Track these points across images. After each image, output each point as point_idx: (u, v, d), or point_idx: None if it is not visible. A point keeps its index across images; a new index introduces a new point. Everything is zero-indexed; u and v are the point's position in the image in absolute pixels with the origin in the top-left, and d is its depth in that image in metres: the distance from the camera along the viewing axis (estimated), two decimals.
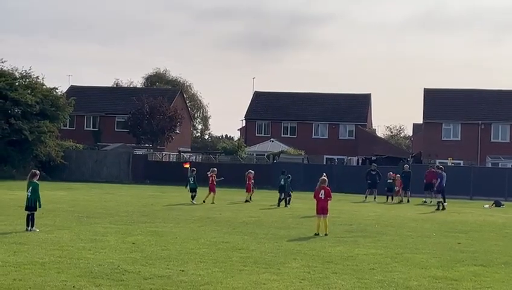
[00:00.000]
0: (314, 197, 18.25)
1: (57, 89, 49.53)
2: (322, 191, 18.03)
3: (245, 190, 31.40)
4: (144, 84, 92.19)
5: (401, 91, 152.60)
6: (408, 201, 34.24)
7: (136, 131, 61.17)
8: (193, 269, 11.60)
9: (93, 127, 66.63)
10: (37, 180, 17.20)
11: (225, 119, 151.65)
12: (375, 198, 34.47)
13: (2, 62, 47.95)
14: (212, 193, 29.12)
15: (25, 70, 48.33)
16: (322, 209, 17.80)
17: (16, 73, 48.18)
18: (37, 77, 48.56)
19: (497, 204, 33.49)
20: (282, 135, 64.23)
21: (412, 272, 12.12)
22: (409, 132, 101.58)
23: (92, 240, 14.88)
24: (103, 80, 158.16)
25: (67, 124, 60.42)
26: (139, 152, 55.00)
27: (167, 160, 55.40)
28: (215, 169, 31.28)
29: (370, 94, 69.15)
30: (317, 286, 10.58)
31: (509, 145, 56.53)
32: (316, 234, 17.36)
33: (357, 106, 66.26)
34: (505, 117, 57.99)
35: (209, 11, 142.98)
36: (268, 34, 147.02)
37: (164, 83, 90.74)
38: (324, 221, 17.71)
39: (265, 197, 32.01)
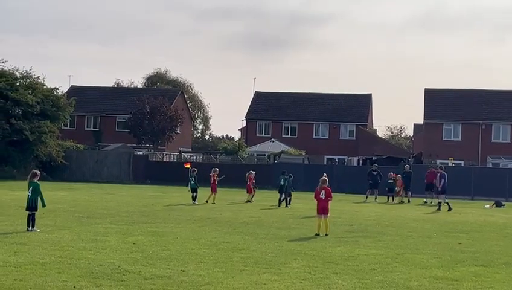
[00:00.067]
0: (315, 197, 18.25)
1: (57, 89, 49.63)
2: (323, 192, 18.03)
3: (246, 191, 31.42)
4: (145, 85, 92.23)
5: (401, 91, 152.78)
6: (409, 201, 34.24)
7: (136, 131, 61.18)
8: (194, 269, 11.61)
9: (93, 127, 66.65)
10: (38, 180, 17.20)
11: (226, 120, 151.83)
12: (375, 198, 34.47)
13: (3, 62, 48.08)
14: (213, 193, 29.16)
15: (26, 71, 48.45)
16: (322, 210, 17.80)
17: (17, 73, 48.23)
18: (38, 77, 48.67)
19: (498, 204, 33.49)
20: (283, 135, 64.24)
21: (413, 272, 12.12)
22: (409, 132, 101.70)
23: (93, 240, 14.89)
24: (104, 80, 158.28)
25: (68, 124, 60.45)
26: (139, 152, 55.00)
27: (168, 160, 55.39)
28: (217, 169, 31.35)
29: (371, 94, 69.20)
30: (318, 286, 10.58)
31: (510, 146, 56.51)
32: (316, 234, 17.36)
33: (357, 106, 66.25)
34: (506, 117, 57.98)
35: (209, 11, 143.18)
36: (269, 34, 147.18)
37: (165, 83, 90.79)
38: (325, 221, 17.71)
39: (266, 198, 32.02)
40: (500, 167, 50.72)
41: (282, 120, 65.66)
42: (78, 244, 14.18)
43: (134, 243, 14.64)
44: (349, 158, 60.62)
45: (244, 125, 69.66)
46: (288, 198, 28.90)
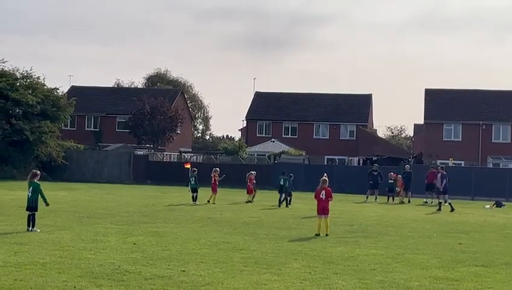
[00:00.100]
0: (315, 197, 18.25)
1: (57, 89, 49.63)
2: (323, 192, 18.02)
3: (246, 191, 31.44)
4: (145, 85, 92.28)
5: (401, 91, 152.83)
6: (409, 201, 34.23)
7: (137, 131, 61.19)
8: (194, 270, 11.60)
9: (94, 128, 66.66)
10: (38, 180, 17.19)
11: (226, 120, 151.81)
12: (376, 198, 34.46)
13: (3, 62, 48.10)
14: (213, 193, 29.18)
15: (26, 71, 48.46)
16: (322, 210, 17.79)
17: (17, 73, 48.24)
18: (38, 77, 48.70)
19: (498, 204, 33.49)
20: (283, 135, 64.23)
21: (413, 272, 12.12)
22: (409, 132, 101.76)
23: (93, 241, 14.89)
24: (104, 80, 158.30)
25: (68, 124, 60.45)
26: (140, 152, 55.01)
27: (168, 160, 55.40)
28: (218, 169, 31.40)
29: (371, 94, 69.20)
30: (318, 287, 10.58)
31: (510, 146, 56.51)
32: (316, 235, 17.35)
33: (357, 106, 66.24)
34: (506, 117, 57.98)
35: (209, 11, 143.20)
36: (269, 34, 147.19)
37: (165, 84, 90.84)
38: (325, 221, 17.71)
39: (266, 198, 32.01)
40: (501, 167, 50.72)
41: (283, 120, 65.66)
42: (79, 245, 14.18)
43: (134, 243, 14.64)
44: (350, 158, 60.63)
45: (245, 125, 69.67)
46: (289, 198, 28.91)
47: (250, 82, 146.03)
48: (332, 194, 18.46)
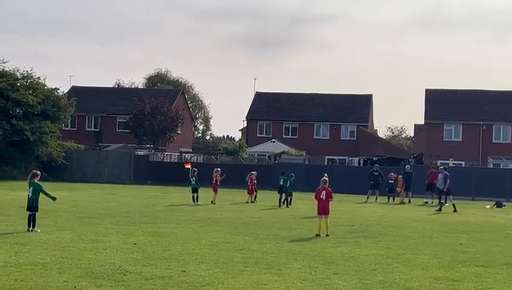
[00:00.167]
0: (316, 197, 18.24)
1: (58, 89, 49.63)
2: (324, 192, 18.02)
3: (246, 191, 31.44)
4: (145, 85, 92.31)
5: (402, 92, 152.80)
6: (409, 202, 34.22)
7: (137, 131, 61.19)
8: (194, 270, 11.61)
9: (94, 128, 66.67)
10: (38, 180, 17.19)
11: (226, 120, 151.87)
12: (376, 199, 34.47)
13: (4, 63, 48.13)
14: (214, 193, 29.18)
15: (27, 71, 48.46)
16: (323, 210, 17.79)
17: (18, 73, 48.25)
18: (39, 78, 48.69)
19: (499, 205, 33.48)
20: (284, 136, 64.23)
21: (414, 272, 12.12)
22: (410, 132, 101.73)
23: (94, 241, 14.89)
24: (104, 80, 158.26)
25: (69, 124, 60.43)
26: (140, 153, 55.02)
27: (168, 160, 55.42)
28: (219, 169, 31.40)
29: (371, 95, 69.21)
30: (319, 287, 10.58)
31: (511, 146, 56.50)
32: (317, 235, 17.35)
33: (358, 107, 66.24)
34: (507, 118, 57.97)
35: (209, 11, 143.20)
36: (269, 34, 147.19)
37: (165, 84, 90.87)
38: (325, 222, 17.71)
39: (267, 198, 32.00)
40: (501, 167, 50.72)
41: (283, 120, 65.66)
42: (79, 245, 14.18)
43: (135, 244, 14.64)
44: (350, 159, 60.65)
45: (245, 125, 69.67)
46: (289, 198, 28.93)
47: (250, 82, 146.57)
48: (333, 194, 18.45)
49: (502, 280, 11.76)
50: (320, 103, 66.82)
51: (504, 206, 33.48)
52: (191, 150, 71.33)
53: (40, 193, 16.92)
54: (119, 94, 72.16)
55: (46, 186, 17.83)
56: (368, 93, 69.54)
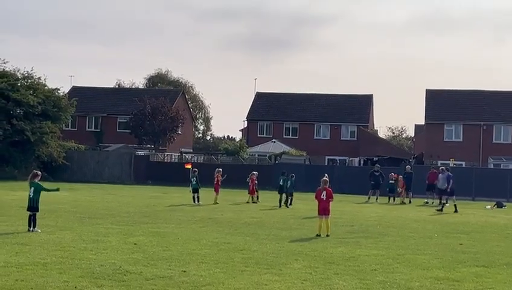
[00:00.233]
0: (316, 198, 18.24)
1: (58, 89, 49.65)
2: (324, 192, 18.01)
3: (247, 191, 31.45)
4: (146, 85, 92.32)
5: (402, 92, 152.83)
6: (410, 202, 34.21)
7: (138, 132, 61.20)
8: (195, 270, 11.61)
9: (95, 128, 66.68)
10: (39, 180, 17.19)
11: (227, 120, 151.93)
12: (377, 199, 34.47)
13: (4, 63, 48.15)
14: (216, 194, 29.19)
15: (27, 71, 48.48)
16: (323, 210, 17.78)
17: (18, 74, 48.26)
18: (39, 78, 48.72)
19: (499, 205, 33.47)
20: (284, 136, 64.23)
21: (414, 273, 12.12)
22: (410, 132, 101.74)
23: (94, 241, 14.89)
24: (105, 80, 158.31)
25: (69, 124, 60.48)
26: (141, 153, 55.05)
27: (169, 161, 55.44)
28: (220, 169, 31.41)
29: (372, 95, 69.21)
30: (319, 287, 10.58)
31: (511, 146, 56.47)
32: (317, 235, 17.35)
33: (358, 107, 66.23)
34: (507, 118, 57.95)
35: (209, 11, 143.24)
36: (269, 34, 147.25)
37: (166, 84, 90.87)
38: (326, 222, 17.70)
39: (267, 198, 32.00)
40: (501, 167, 50.71)
41: (283, 121, 65.66)
42: (79, 245, 14.18)
43: (135, 244, 14.64)
44: (350, 159, 60.64)
45: (245, 125, 69.68)
46: (290, 198, 28.94)
47: (251, 82, 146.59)
48: (333, 194, 18.44)
49: (502, 280, 11.75)
50: (321, 103, 66.82)
51: (504, 206, 33.47)
52: (191, 150, 71.33)
53: (41, 192, 16.93)
54: (119, 94, 72.18)
55: (47, 186, 17.79)
56: (368, 93, 69.63)
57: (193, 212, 24.06)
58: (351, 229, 19.46)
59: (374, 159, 50.13)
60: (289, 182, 29.23)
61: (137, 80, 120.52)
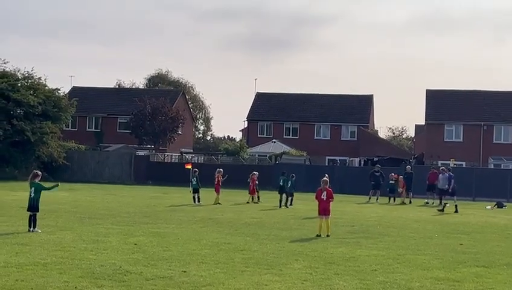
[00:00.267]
0: (316, 198, 18.23)
1: (59, 90, 49.65)
2: (324, 193, 18.01)
3: (248, 191, 31.46)
4: (146, 85, 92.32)
5: (403, 92, 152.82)
6: (410, 202, 34.20)
7: (138, 132, 61.21)
8: (195, 270, 11.61)
9: (95, 128, 66.69)
10: (39, 181, 17.19)
11: (227, 120, 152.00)
12: (377, 199, 34.48)
13: (5, 63, 48.13)
14: (217, 194, 29.21)
15: (27, 71, 48.46)
16: (324, 211, 17.78)
17: (18, 74, 48.24)
18: (40, 78, 48.72)
19: (499, 205, 33.47)
20: (284, 136, 64.24)
21: (414, 273, 12.12)
22: (411, 133, 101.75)
23: (94, 241, 14.89)
24: (105, 80, 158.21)
25: (70, 125, 60.47)
26: (141, 153, 55.03)
27: (169, 161, 55.43)
28: (221, 170, 31.38)
29: (372, 95, 69.22)
30: (319, 287, 10.58)
31: None
32: (317, 235, 17.34)
33: (359, 107, 66.23)
34: (508, 118, 57.97)
35: (210, 11, 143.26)
36: (270, 34, 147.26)
37: (166, 84, 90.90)
38: (326, 222, 17.70)
39: (267, 198, 31.98)
40: (502, 167, 50.72)
41: (284, 121, 65.67)
42: (80, 245, 14.18)
43: (135, 244, 14.64)
44: (351, 159, 60.64)
45: (246, 126, 69.70)
46: (290, 198, 28.94)
47: (251, 83, 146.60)
48: (334, 194, 18.44)
49: (502, 280, 11.75)
50: (321, 104, 66.82)
51: (505, 206, 33.48)
52: (191, 151, 71.34)
53: (42, 192, 16.93)
54: (119, 94, 72.20)
55: (47, 185, 17.76)
56: (368, 93, 69.65)
57: (193, 212, 24.06)
58: (352, 230, 19.46)
59: (374, 159, 50.12)
60: (289, 182, 29.24)
61: (137, 80, 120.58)
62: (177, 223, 19.63)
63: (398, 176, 35.38)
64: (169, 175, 46.34)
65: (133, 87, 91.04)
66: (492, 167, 52.11)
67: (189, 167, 35.84)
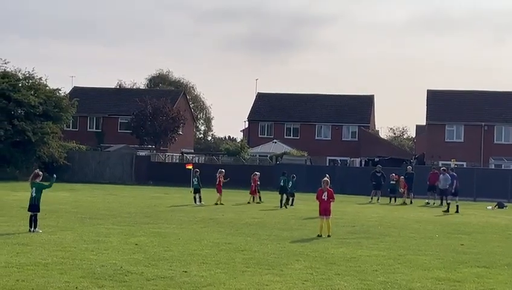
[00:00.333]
0: (317, 198, 18.23)
1: (60, 90, 49.68)
2: (325, 193, 18.00)
3: (249, 192, 31.46)
4: (147, 86, 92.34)
5: (403, 92, 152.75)
6: (411, 202, 34.20)
7: (139, 132, 61.23)
8: (196, 270, 11.61)
9: (96, 128, 66.72)
10: (40, 181, 17.20)
11: (228, 121, 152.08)
12: (378, 199, 34.47)
13: (5, 63, 48.12)
14: (218, 194, 29.21)
15: (28, 72, 48.47)
16: (324, 211, 17.77)
17: (19, 74, 48.25)
18: (40, 78, 48.73)
19: (500, 206, 33.45)
20: (285, 136, 64.23)
21: (415, 273, 12.11)
22: (412, 133, 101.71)
23: (95, 241, 14.89)
24: (106, 81, 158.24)
25: (70, 125, 60.51)
26: (142, 153, 55.06)
27: (170, 161, 55.43)
28: (223, 170, 31.35)
29: (373, 95, 69.22)
30: (320, 287, 10.58)
31: None
32: (318, 236, 17.34)
33: (360, 107, 66.23)
34: (508, 118, 57.94)
35: (210, 12, 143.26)
36: (270, 35, 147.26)
37: (167, 84, 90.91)
38: (327, 222, 17.70)
39: (268, 199, 31.98)
40: (503, 168, 50.70)
41: (285, 121, 65.67)
42: (80, 245, 14.18)
43: (136, 244, 14.64)
44: (352, 159, 60.63)
45: (247, 126, 69.70)
46: (291, 198, 28.94)
47: (252, 83, 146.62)
48: (334, 195, 18.43)
49: (503, 280, 11.75)
50: (322, 104, 66.81)
51: (506, 207, 33.47)
52: (192, 151, 71.34)
53: (43, 192, 16.93)
54: (120, 95, 72.23)
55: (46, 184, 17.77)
56: (369, 94, 69.65)
57: (194, 212, 24.06)
58: (352, 230, 19.46)
59: (375, 159, 50.12)
60: (290, 182, 29.24)
61: (138, 80, 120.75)
62: (178, 224, 19.64)
63: (398, 176, 35.37)
64: (170, 175, 46.33)
65: (134, 87, 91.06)
66: (493, 167, 52.09)
67: (190, 167, 35.85)
